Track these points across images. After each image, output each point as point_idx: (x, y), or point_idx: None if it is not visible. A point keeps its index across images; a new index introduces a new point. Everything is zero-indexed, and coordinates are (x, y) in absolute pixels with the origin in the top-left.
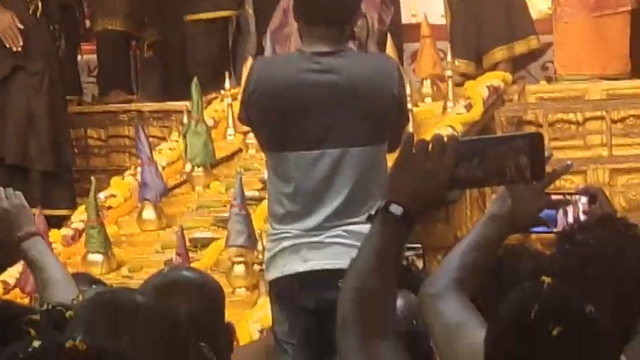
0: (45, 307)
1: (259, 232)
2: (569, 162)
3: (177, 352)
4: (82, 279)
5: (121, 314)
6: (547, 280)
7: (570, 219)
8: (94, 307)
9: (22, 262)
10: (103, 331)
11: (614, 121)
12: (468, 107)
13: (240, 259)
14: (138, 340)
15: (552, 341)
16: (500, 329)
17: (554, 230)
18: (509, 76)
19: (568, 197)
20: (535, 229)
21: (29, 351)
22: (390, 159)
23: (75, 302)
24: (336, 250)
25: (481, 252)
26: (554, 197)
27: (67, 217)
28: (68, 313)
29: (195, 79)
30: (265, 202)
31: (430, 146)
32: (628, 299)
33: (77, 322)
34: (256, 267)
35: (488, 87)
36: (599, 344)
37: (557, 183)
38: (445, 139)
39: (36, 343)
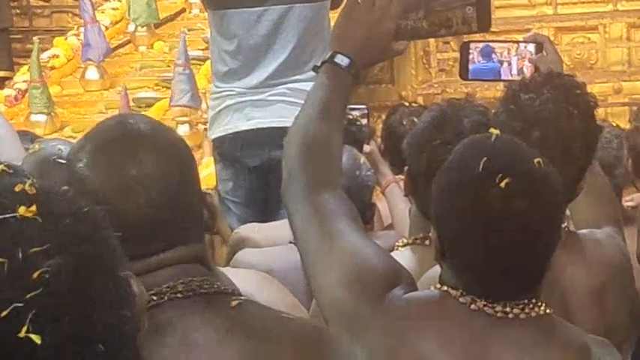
0: None
1: (203, 91)
2: None
3: (187, 189)
4: (25, 137)
5: (135, 138)
6: (495, 132)
7: (515, 71)
8: (107, 128)
9: None
10: (112, 153)
11: None
12: None
13: (184, 118)
14: (148, 168)
15: (500, 193)
16: (448, 182)
17: (502, 79)
18: None
19: (514, 45)
20: (477, 76)
21: None
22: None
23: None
24: (279, 108)
25: None
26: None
27: (4, 79)
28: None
29: None
30: (209, 62)
31: None
32: (573, 157)
33: (83, 143)
34: (200, 126)
35: None
36: (547, 197)
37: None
38: None
39: None
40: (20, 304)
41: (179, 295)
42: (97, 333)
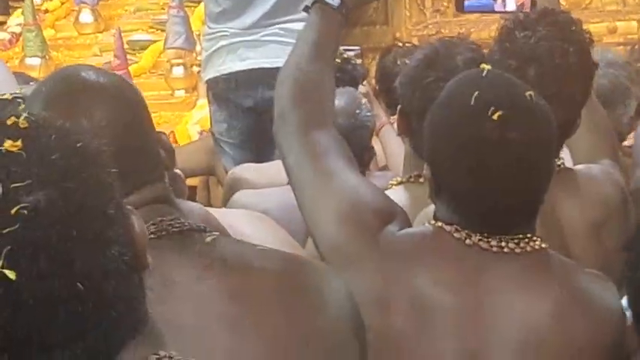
0: None
1: (197, 33)
2: None
3: (138, 134)
4: (20, 78)
5: (79, 89)
6: (486, 67)
7: (511, 6)
8: (51, 82)
9: None
10: (58, 107)
11: None
12: None
13: (179, 60)
14: (95, 119)
15: (493, 125)
16: (440, 117)
17: (497, 12)
18: None
19: None
20: (473, 10)
21: None
22: None
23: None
24: (273, 48)
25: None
26: None
27: (1, 23)
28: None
29: None
30: (203, 4)
31: None
32: (569, 94)
33: (31, 98)
34: (195, 68)
35: None
36: (540, 128)
37: None
38: None
39: None
40: None
41: (152, 236)
42: (76, 271)
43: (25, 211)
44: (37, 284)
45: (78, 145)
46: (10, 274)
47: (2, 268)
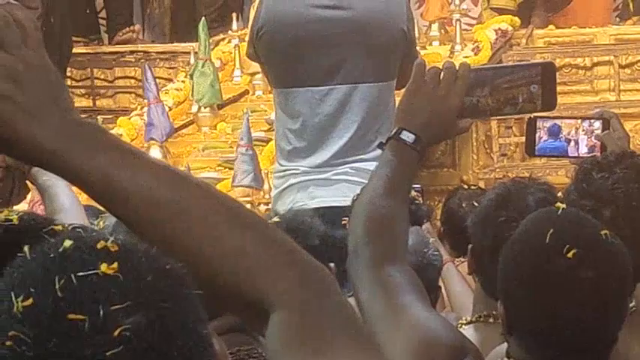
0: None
1: (266, 172)
2: None
3: None
4: (90, 211)
5: None
6: (561, 205)
7: (583, 149)
8: None
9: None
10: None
11: (622, 66)
12: (476, 50)
13: (247, 198)
14: None
15: (568, 264)
16: (515, 254)
17: (570, 156)
18: (517, 20)
19: (581, 122)
20: (544, 153)
21: (60, 251)
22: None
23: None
24: (342, 187)
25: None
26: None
27: None
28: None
29: (202, 20)
30: (272, 143)
31: (442, 73)
32: None
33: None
34: (262, 207)
35: (496, 30)
36: (614, 268)
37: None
38: (457, 66)
39: (67, 243)
40: None
41: None
42: None
43: (128, 333)
44: None
45: (167, 267)
46: None
47: None
